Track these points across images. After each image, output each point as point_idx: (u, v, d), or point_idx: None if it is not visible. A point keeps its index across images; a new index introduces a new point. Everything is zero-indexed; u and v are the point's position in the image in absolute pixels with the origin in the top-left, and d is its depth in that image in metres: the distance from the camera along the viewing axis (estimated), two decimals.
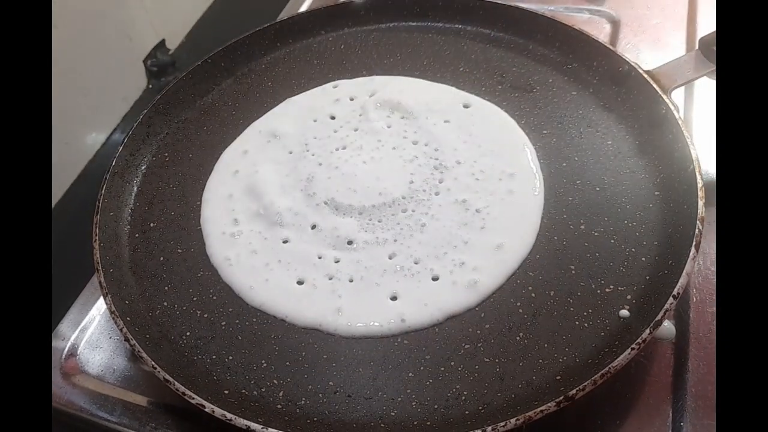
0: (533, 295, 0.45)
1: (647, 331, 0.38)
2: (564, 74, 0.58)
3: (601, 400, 0.42)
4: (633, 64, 0.54)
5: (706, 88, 0.58)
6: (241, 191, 0.54)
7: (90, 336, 0.52)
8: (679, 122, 0.49)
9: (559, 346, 0.41)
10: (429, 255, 0.47)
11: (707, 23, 0.66)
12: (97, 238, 0.50)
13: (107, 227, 0.52)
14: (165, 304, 0.48)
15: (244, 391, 0.42)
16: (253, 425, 0.38)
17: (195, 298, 0.48)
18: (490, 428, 0.36)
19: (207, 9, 0.94)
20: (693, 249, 0.42)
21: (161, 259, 0.51)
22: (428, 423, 0.39)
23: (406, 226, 0.49)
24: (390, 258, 0.48)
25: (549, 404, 0.37)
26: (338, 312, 0.46)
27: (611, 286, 0.44)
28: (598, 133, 0.53)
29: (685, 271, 0.41)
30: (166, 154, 0.58)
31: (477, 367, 0.41)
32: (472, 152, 0.53)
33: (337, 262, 0.48)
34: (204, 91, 0.63)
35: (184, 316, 0.47)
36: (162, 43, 0.86)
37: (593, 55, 0.57)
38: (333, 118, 0.59)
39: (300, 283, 0.48)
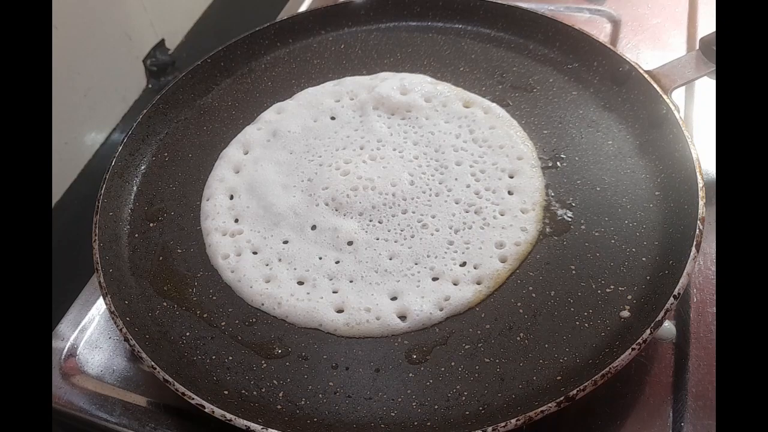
0: (533, 295, 0.45)
1: (648, 331, 0.38)
2: (564, 74, 0.58)
3: (601, 400, 0.42)
4: (633, 63, 0.54)
5: (706, 88, 0.58)
6: (242, 191, 0.54)
7: (90, 336, 0.52)
8: (680, 122, 0.49)
9: (560, 347, 0.41)
10: (429, 255, 0.48)
11: (707, 23, 0.66)
12: (96, 238, 0.50)
13: (107, 227, 0.52)
14: (165, 304, 0.48)
15: (244, 391, 0.42)
16: (253, 425, 0.38)
17: (195, 298, 0.48)
18: (490, 428, 0.36)
19: (207, 9, 0.95)
20: (693, 249, 0.42)
21: (161, 259, 0.51)
22: (428, 423, 0.39)
23: (407, 227, 0.49)
24: (390, 259, 0.48)
25: (549, 404, 0.37)
26: (338, 312, 0.46)
27: (612, 286, 0.44)
28: (599, 133, 0.53)
29: (685, 271, 0.41)
30: (166, 154, 0.58)
31: (477, 367, 0.41)
32: (473, 152, 0.53)
33: (337, 262, 0.48)
34: (203, 91, 0.63)
35: (184, 316, 0.47)
36: (162, 42, 0.86)
37: (594, 54, 0.57)
38: (333, 118, 0.59)
39: (300, 283, 0.48)
